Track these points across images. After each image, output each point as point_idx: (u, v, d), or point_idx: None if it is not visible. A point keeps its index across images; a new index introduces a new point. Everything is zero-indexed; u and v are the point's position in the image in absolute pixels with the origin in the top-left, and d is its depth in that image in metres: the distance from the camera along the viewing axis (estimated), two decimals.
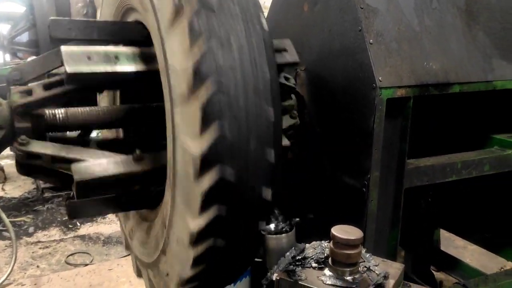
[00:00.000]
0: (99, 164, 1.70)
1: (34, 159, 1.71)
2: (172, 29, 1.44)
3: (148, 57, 1.79)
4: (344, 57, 2.05)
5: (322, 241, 1.67)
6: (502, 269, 3.73)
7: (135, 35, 1.89)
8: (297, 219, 1.66)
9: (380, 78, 1.89)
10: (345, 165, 2.08)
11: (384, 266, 1.53)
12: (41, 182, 6.01)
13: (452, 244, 4.39)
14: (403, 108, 2.00)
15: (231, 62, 1.41)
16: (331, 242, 1.50)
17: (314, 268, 1.53)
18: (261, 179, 1.53)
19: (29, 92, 1.69)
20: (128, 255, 4.51)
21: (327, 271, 1.51)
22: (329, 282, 1.46)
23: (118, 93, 2.28)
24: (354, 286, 1.43)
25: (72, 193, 1.95)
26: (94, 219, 5.36)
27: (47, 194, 5.85)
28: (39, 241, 4.84)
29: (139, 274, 2.32)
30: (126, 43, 1.90)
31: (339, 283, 1.44)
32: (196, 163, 1.41)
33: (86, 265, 4.34)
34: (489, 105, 2.55)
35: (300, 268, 1.51)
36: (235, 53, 1.43)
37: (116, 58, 1.70)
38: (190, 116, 1.41)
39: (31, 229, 5.08)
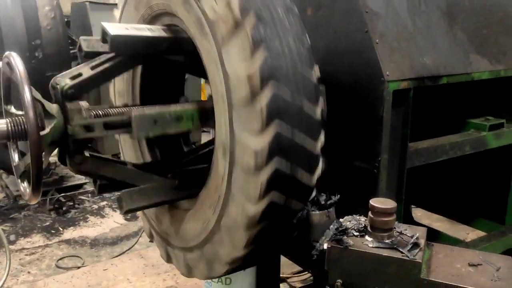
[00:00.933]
0: (144, 193, 1.90)
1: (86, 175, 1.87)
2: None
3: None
4: (351, 56, 2.32)
5: (354, 215, 1.94)
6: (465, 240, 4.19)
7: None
8: (337, 196, 1.90)
9: (387, 73, 2.18)
10: (357, 151, 2.35)
11: (412, 230, 1.82)
12: (12, 189, 5.90)
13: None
14: (406, 98, 2.30)
15: (285, 66, 1.64)
16: (370, 212, 1.77)
17: (356, 236, 1.78)
18: (307, 171, 1.77)
19: (90, 129, 1.78)
20: (121, 254, 4.61)
21: (368, 237, 1.77)
22: (373, 245, 1.72)
23: (138, 74, 2.43)
24: (395, 245, 1.71)
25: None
26: (76, 223, 5.36)
27: (22, 202, 5.75)
28: (23, 248, 4.79)
29: (168, 260, 2.46)
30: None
31: (382, 245, 1.71)
32: (258, 156, 1.62)
33: (79, 267, 4.37)
34: (466, 94, 2.93)
35: (345, 237, 1.76)
36: (288, 59, 1.65)
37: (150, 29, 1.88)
38: (253, 116, 1.61)
39: (12, 237, 5.00)
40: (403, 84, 2.25)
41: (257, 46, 1.58)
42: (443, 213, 4.07)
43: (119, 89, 2.54)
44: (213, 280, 3.09)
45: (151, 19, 2.18)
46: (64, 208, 5.68)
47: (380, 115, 2.20)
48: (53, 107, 1.76)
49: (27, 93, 1.53)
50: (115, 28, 1.83)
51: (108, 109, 1.83)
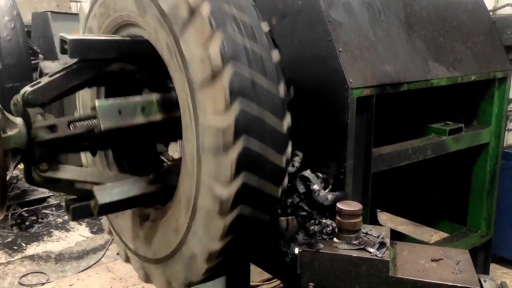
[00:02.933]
0: (118, 186, 1.86)
1: (53, 183, 1.83)
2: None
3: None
4: (316, 63, 2.38)
5: (320, 220, 1.98)
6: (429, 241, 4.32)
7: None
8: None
9: (350, 80, 2.24)
10: (323, 157, 2.39)
11: (377, 230, 1.87)
12: None
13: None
14: (369, 105, 2.37)
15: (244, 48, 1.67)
16: (337, 215, 1.81)
17: (324, 239, 1.82)
18: (277, 150, 1.77)
19: (53, 128, 1.77)
20: (87, 268, 4.49)
21: (336, 240, 1.82)
22: (342, 247, 1.76)
23: (102, 90, 2.40)
24: (363, 246, 1.75)
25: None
26: (40, 238, 5.20)
27: None
28: None
29: (147, 280, 2.41)
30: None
31: (351, 246, 1.76)
32: (225, 135, 1.62)
33: (44, 283, 4.23)
34: (425, 100, 3.04)
35: (315, 240, 1.80)
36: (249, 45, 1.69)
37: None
38: (214, 96, 1.62)
39: None
40: (366, 91, 2.32)
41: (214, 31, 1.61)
42: (407, 216, 4.19)
43: (84, 102, 2.51)
44: None
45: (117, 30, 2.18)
46: (27, 223, 5.49)
47: (345, 122, 2.26)
48: (15, 119, 1.73)
49: None
50: (73, 35, 1.84)
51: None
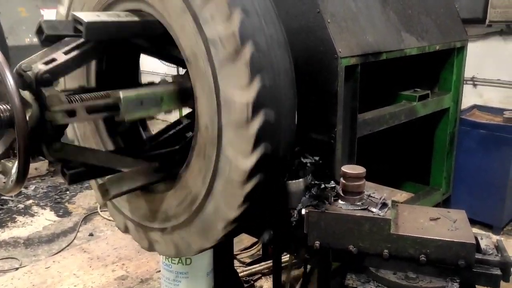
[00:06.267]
0: (129, 177, 1.90)
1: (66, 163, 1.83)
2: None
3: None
4: (304, 34, 2.47)
5: (323, 183, 2.11)
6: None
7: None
8: (311, 163, 2.06)
9: (339, 50, 2.37)
10: (314, 124, 2.52)
11: (379, 192, 2.04)
12: None
13: None
14: (354, 73, 2.51)
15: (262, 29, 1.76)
16: (342, 178, 1.95)
17: (329, 201, 1.96)
18: (288, 117, 1.89)
19: (72, 114, 1.74)
20: (61, 251, 4.42)
21: (340, 201, 1.96)
22: (347, 207, 1.91)
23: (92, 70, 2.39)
24: (366, 206, 1.91)
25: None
26: (4, 224, 5.02)
27: None
28: None
29: (150, 248, 2.45)
30: None
31: (355, 207, 1.91)
32: (248, 109, 1.71)
33: (17, 268, 4.13)
34: (397, 69, 3.24)
35: (320, 202, 1.93)
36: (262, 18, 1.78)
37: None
38: (237, 72, 1.70)
39: None
40: (353, 60, 2.45)
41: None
42: (375, 180, 4.45)
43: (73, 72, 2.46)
44: (173, 261, 3.14)
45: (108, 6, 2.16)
46: None
47: (335, 90, 2.39)
48: (25, 94, 1.70)
49: (9, 79, 1.47)
50: (88, 16, 1.80)
51: (84, 94, 1.79)
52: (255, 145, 1.74)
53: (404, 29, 2.97)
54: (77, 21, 1.78)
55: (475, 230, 4.72)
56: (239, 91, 1.72)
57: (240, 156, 1.78)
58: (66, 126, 1.81)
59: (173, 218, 2.15)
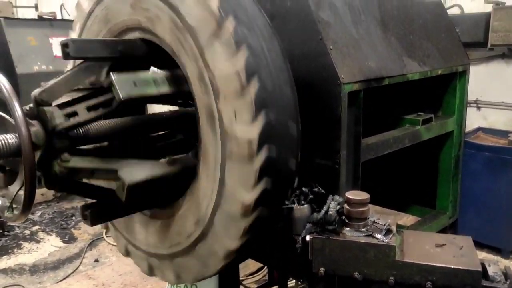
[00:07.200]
0: (141, 168, 1.89)
1: (75, 174, 1.83)
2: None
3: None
4: (307, 61, 2.51)
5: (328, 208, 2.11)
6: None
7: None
8: (314, 192, 2.06)
9: (342, 76, 2.40)
10: (318, 149, 2.54)
11: (383, 218, 2.03)
12: None
13: None
14: (357, 99, 2.54)
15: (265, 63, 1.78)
16: (346, 204, 1.95)
17: (334, 228, 1.95)
18: (290, 153, 1.92)
19: (74, 114, 1.80)
20: (66, 277, 4.40)
21: (345, 228, 1.95)
22: (351, 234, 1.90)
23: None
24: (371, 233, 1.90)
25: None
26: (10, 251, 5.02)
27: None
28: None
29: (151, 273, 2.44)
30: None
31: (359, 233, 1.90)
32: (251, 145, 1.74)
33: None
34: (400, 94, 3.27)
35: (324, 229, 1.93)
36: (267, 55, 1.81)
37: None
38: (242, 108, 1.73)
39: None
40: (355, 86, 2.48)
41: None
42: (381, 204, 4.43)
43: None
44: (179, 287, 3.12)
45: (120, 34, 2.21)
46: None
47: (339, 115, 2.41)
48: (31, 122, 1.74)
49: (18, 109, 1.50)
50: (125, 87, 1.81)
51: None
52: (258, 180, 1.78)
53: (406, 54, 3.01)
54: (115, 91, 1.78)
55: (483, 254, 4.67)
56: (244, 127, 1.75)
57: (242, 190, 1.81)
58: (76, 139, 1.83)
59: (174, 245, 2.15)
